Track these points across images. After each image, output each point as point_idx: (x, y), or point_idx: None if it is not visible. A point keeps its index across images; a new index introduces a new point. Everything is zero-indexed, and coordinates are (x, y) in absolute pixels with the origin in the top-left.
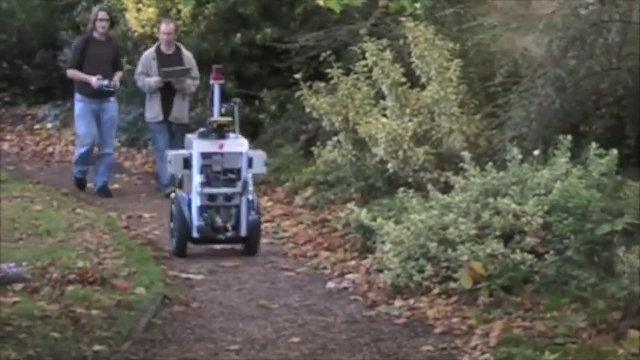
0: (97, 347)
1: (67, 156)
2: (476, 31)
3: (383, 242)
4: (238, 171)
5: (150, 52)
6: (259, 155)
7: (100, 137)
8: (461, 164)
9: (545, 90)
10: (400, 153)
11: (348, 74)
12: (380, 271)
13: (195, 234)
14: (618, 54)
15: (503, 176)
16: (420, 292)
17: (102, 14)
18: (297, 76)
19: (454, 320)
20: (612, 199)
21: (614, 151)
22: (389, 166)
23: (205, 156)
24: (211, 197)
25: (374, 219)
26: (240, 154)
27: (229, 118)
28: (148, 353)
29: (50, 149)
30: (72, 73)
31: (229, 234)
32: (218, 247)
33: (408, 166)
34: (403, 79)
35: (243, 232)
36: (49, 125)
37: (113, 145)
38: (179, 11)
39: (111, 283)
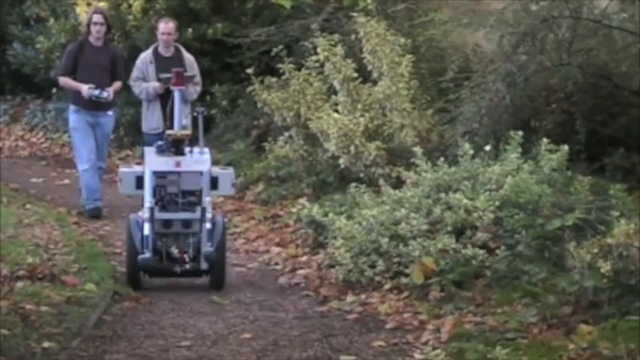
0: (46, 344)
1: (17, 151)
2: (427, 27)
3: (334, 238)
4: (199, 193)
5: (147, 55)
6: (226, 174)
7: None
8: (412, 159)
9: (496, 85)
10: (352, 148)
11: (299, 69)
12: (332, 266)
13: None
14: (568, 50)
15: (455, 171)
16: (371, 287)
17: (96, 17)
18: (249, 71)
19: (405, 316)
20: (563, 195)
21: (565, 147)
22: (340, 161)
23: (159, 175)
24: (166, 224)
25: (325, 214)
26: (200, 173)
27: (187, 132)
28: (98, 350)
29: None
30: (63, 80)
31: (187, 266)
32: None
33: (359, 162)
34: (355, 75)
35: (204, 265)
36: None
37: (105, 158)
38: (130, 5)
39: (61, 279)
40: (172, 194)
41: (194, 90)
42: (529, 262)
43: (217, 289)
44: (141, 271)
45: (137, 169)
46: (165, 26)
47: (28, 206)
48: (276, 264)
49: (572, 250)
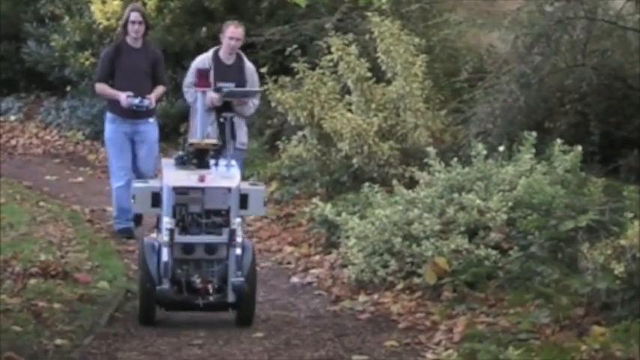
0: (58, 341)
1: (31, 149)
2: (442, 27)
3: (347, 237)
4: (225, 213)
5: (205, 59)
6: (257, 191)
7: (134, 165)
8: (426, 160)
9: (510, 86)
10: (365, 148)
11: (313, 69)
12: (344, 266)
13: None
14: (583, 51)
15: (468, 172)
16: (384, 287)
17: (134, 15)
18: (263, 70)
19: (418, 316)
20: (576, 196)
21: (579, 148)
22: (354, 161)
23: (179, 192)
24: (187, 248)
25: (338, 214)
26: (228, 190)
27: (214, 141)
28: (110, 347)
29: (13, 142)
30: (100, 88)
31: (211, 298)
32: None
33: (372, 161)
34: (369, 74)
35: (231, 297)
36: (12, 118)
37: (153, 171)
38: (145, 4)
39: (73, 276)
40: (195, 214)
41: (252, 104)
42: (542, 263)
43: (246, 325)
44: (156, 305)
45: (153, 184)
46: (235, 30)
47: (41, 204)
48: (289, 263)
49: (586, 251)
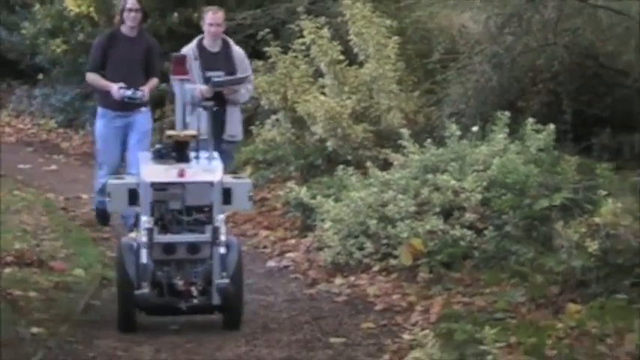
0: (35, 329)
1: (3, 137)
2: (413, 9)
3: (323, 220)
4: (208, 209)
5: (190, 49)
6: (241, 185)
7: (128, 157)
8: (400, 141)
9: (483, 67)
10: (339, 131)
11: (286, 53)
12: (320, 249)
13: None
14: (554, 30)
15: (442, 153)
16: (360, 269)
17: (131, 3)
18: None
19: (394, 297)
20: (550, 175)
21: (551, 127)
22: (328, 144)
23: (158, 188)
24: (168, 248)
25: (313, 197)
26: (210, 184)
27: (194, 132)
28: (86, 335)
29: None
30: (91, 78)
31: (195, 301)
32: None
33: (347, 144)
34: (341, 57)
35: (216, 299)
36: None
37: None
38: None
39: (49, 264)
40: (175, 211)
41: (246, 90)
42: (517, 242)
43: (233, 329)
44: (136, 309)
45: (130, 180)
46: (214, 16)
47: (15, 192)
48: (265, 247)
49: (560, 229)
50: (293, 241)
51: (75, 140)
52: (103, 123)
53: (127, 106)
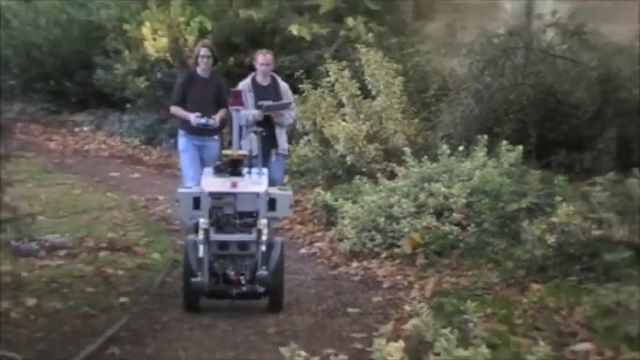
0: (122, 299)
1: (100, 152)
2: (414, 55)
3: (342, 218)
4: (255, 215)
5: (245, 84)
6: (284, 196)
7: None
8: (403, 157)
9: (467, 100)
10: (356, 149)
11: (315, 88)
12: (340, 240)
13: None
14: (523, 73)
15: (436, 166)
16: (371, 256)
17: (204, 51)
18: None
19: (397, 277)
20: (518, 184)
21: (520, 147)
22: (347, 159)
23: (215, 196)
24: (223, 245)
25: (335, 200)
26: (257, 195)
27: (244, 152)
28: (161, 304)
29: (86, 147)
30: (174, 109)
31: (244, 289)
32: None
33: (362, 159)
34: (358, 92)
35: (260, 287)
36: (85, 128)
37: None
38: (186, 40)
39: (133, 250)
40: (229, 215)
41: (289, 115)
42: (492, 236)
43: (275, 312)
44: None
45: (195, 190)
46: (264, 57)
47: (108, 194)
48: (298, 238)
49: (526, 226)
50: (319, 233)
51: (153, 155)
52: (183, 140)
53: (202, 132)
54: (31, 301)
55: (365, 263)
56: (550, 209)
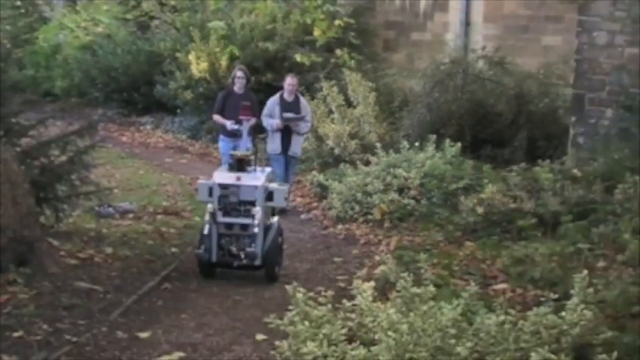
0: (173, 249)
1: (157, 144)
2: (384, 77)
3: (331, 193)
4: (253, 203)
5: (275, 99)
6: (280, 190)
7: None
8: (375, 150)
9: (422, 110)
10: (341, 143)
11: (313, 99)
12: (329, 209)
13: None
14: (461, 90)
15: (398, 157)
16: (351, 220)
17: (239, 73)
18: None
19: (371, 236)
20: (458, 170)
21: (459, 144)
22: (335, 150)
23: (223, 187)
24: (228, 226)
25: (327, 180)
26: (255, 187)
27: (248, 153)
28: None
29: (148, 140)
30: (215, 117)
31: (244, 261)
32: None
33: (345, 151)
34: (343, 103)
35: (258, 261)
36: (147, 127)
37: None
38: (220, 65)
39: (181, 214)
40: (234, 203)
41: (305, 125)
42: (438, 207)
43: (271, 282)
44: (206, 265)
45: (210, 181)
46: (291, 80)
47: (163, 174)
48: (299, 207)
49: (462, 200)
50: (315, 204)
51: (196, 146)
52: (223, 144)
53: (236, 135)
54: (108, 250)
55: (347, 226)
56: (480, 188)
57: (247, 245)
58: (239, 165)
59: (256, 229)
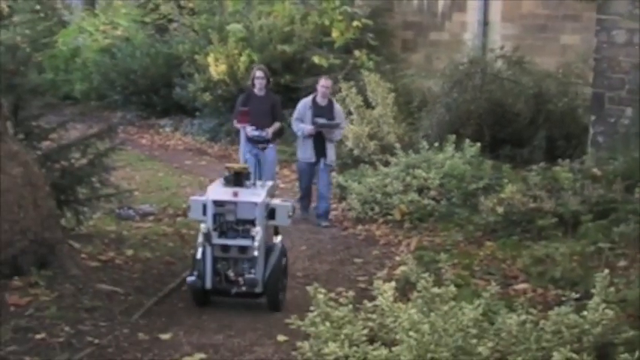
0: (192, 251)
1: (177, 147)
2: (402, 78)
3: (351, 194)
4: (253, 222)
5: (306, 101)
6: (283, 207)
7: (260, 174)
8: (394, 150)
9: (440, 110)
10: (360, 144)
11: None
12: (349, 209)
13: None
14: (480, 90)
15: (417, 157)
16: (371, 221)
17: (258, 73)
18: None
19: (391, 237)
20: (477, 170)
21: (478, 144)
22: (354, 151)
23: (218, 204)
24: (224, 248)
25: (346, 181)
26: (255, 204)
27: (245, 165)
28: None
29: (168, 143)
30: (235, 122)
31: (243, 288)
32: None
33: (365, 152)
34: (362, 104)
35: (259, 288)
36: (167, 129)
37: (272, 179)
38: (239, 67)
39: None
40: (231, 222)
41: (339, 132)
42: (458, 207)
43: (274, 311)
44: (199, 292)
45: (203, 197)
46: (325, 82)
47: (183, 176)
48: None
49: (482, 200)
50: (334, 205)
51: (215, 148)
52: (244, 150)
53: (258, 142)
54: (129, 252)
55: (367, 226)
56: (499, 188)
57: (247, 270)
58: (236, 179)
59: (256, 252)
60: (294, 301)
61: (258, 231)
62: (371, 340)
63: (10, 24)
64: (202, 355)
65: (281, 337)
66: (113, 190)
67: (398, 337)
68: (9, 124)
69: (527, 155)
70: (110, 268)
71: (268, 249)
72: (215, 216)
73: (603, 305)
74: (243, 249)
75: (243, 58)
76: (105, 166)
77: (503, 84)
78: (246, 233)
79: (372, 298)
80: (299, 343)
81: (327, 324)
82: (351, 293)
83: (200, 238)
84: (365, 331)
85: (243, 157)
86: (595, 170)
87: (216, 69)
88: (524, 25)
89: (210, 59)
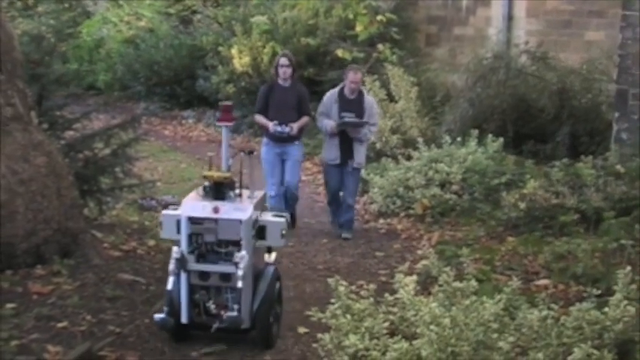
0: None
1: (200, 138)
2: (425, 72)
3: (373, 187)
4: (238, 243)
5: (333, 94)
6: (275, 223)
7: (284, 176)
8: (417, 145)
9: (464, 105)
10: (383, 138)
11: None
12: (371, 203)
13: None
14: (504, 85)
15: (440, 152)
16: (393, 215)
17: (283, 60)
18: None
19: (412, 231)
20: (499, 165)
21: (501, 139)
22: (377, 145)
23: (195, 221)
24: (203, 276)
25: (368, 174)
26: (239, 221)
27: (228, 174)
28: None
29: (190, 134)
30: (257, 118)
31: (225, 324)
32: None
33: (387, 146)
34: (385, 97)
35: (246, 324)
36: (190, 121)
37: (297, 180)
38: (262, 59)
39: None
40: (210, 243)
41: (369, 131)
42: (480, 202)
43: (266, 348)
44: (173, 330)
45: (177, 212)
46: (355, 75)
47: (205, 168)
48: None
49: (504, 196)
50: (357, 198)
51: (237, 140)
52: (265, 149)
53: (282, 139)
54: (151, 242)
55: (388, 220)
56: (522, 184)
57: (231, 301)
58: (217, 191)
59: (240, 283)
60: (315, 294)
61: (242, 256)
62: (391, 334)
63: (35, 14)
64: (223, 346)
65: (302, 329)
66: (136, 181)
67: (419, 330)
68: (33, 114)
69: (550, 151)
70: (132, 258)
71: (257, 274)
72: (191, 236)
73: (625, 302)
74: (225, 276)
75: (266, 50)
76: (128, 156)
77: (527, 79)
78: (230, 257)
79: (393, 292)
80: (320, 335)
81: (348, 316)
82: (372, 286)
83: (172, 265)
84: (386, 324)
85: (263, 157)
86: (618, 167)
87: (240, 61)
88: (549, 20)
89: (234, 51)
